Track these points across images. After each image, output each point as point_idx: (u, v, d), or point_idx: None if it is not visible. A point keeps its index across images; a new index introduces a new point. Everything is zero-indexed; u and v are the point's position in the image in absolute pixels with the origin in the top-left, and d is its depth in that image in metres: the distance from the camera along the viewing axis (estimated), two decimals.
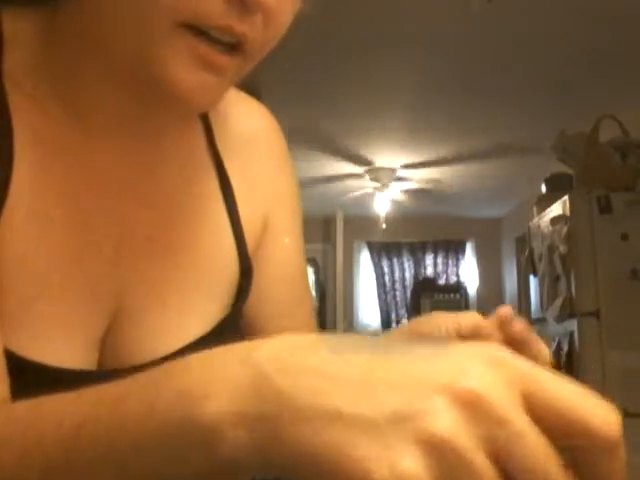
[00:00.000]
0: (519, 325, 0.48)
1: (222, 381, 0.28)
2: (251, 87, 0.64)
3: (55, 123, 0.48)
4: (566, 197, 3.07)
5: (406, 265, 7.40)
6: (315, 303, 6.85)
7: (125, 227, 0.51)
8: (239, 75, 0.47)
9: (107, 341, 0.49)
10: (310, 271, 6.84)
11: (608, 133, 3.14)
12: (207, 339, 0.52)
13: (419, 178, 5.66)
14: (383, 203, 6.11)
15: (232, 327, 0.56)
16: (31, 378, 0.44)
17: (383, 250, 7.35)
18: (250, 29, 0.43)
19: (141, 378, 0.32)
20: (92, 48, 0.46)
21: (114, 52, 0.45)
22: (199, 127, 0.58)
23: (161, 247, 0.52)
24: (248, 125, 0.62)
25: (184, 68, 0.42)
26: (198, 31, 0.42)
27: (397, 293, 7.36)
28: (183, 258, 0.53)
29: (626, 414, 2.79)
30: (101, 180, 0.50)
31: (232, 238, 0.57)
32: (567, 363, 3.03)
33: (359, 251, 7.39)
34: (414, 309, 7.00)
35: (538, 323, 3.51)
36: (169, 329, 0.51)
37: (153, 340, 0.50)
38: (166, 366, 0.32)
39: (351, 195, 5.96)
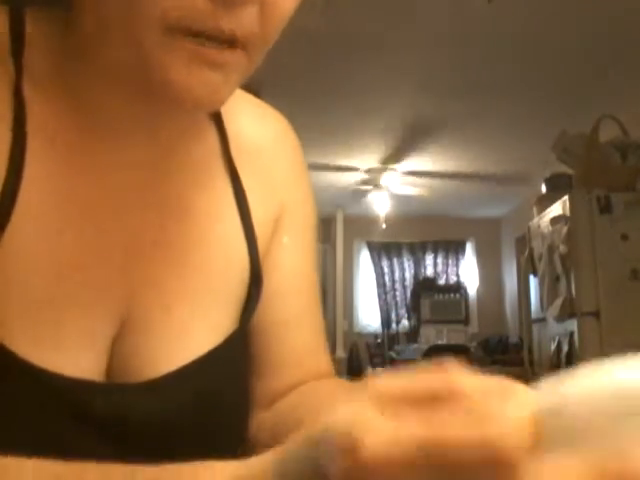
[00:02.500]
0: None
1: None
2: (251, 88, 0.64)
3: (68, 127, 0.48)
4: (566, 197, 3.07)
5: (406, 265, 7.40)
6: None
7: (134, 232, 0.50)
8: (247, 71, 0.45)
9: (115, 349, 0.49)
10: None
11: (608, 133, 3.14)
12: (218, 351, 0.52)
13: (419, 178, 5.66)
14: (383, 203, 6.11)
15: (242, 339, 0.56)
16: (35, 384, 0.44)
17: (383, 250, 7.35)
18: (239, 25, 0.42)
19: None
20: (97, 54, 0.46)
21: (115, 59, 0.45)
22: (213, 132, 0.57)
23: (168, 253, 0.51)
24: (262, 130, 0.61)
25: (184, 70, 0.41)
26: (190, 32, 0.41)
27: (397, 293, 7.36)
28: (191, 264, 0.53)
29: None
30: (113, 185, 0.49)
31: (244, 245, 0.56)
32: (567, 363, 3.03)
33: (359, 251, 7.39)
34: (414, 309, 7.00)
35: (538, 323, 3.51)
36: (174, 338, 0.50)
37: (159, 350, 0.50)
38: None
39: (351, 195, 5.96)
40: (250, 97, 0.63)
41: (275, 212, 0.60)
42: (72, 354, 0.46)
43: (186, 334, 0.51)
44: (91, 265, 0.48)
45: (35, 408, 0.44)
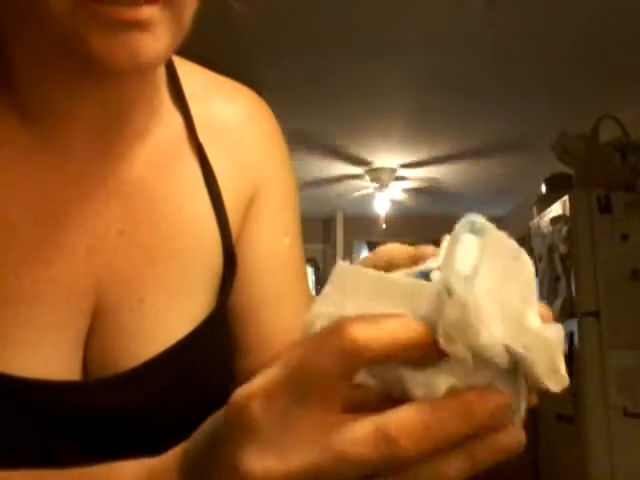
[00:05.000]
0: None
1: None
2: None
3: (12, 123, 0.47)
4: (566, 197, 3.07)
5: None
6: None
7: (98, 223, 0.49)
8: (178, 28, 0.43)
9: (89, 344, 0.48)
10: (310, 271, 6.83)
11: (608, 133, 3.14)
12: (192, 338, 0.51)
13: (419, 178, 5.65)
14: (383, 203, 6.11)
15: (218, 324, 0.54)
16: (7, 395, 0.42)
17: None
18: None
19: None
20: (21, 42, 0.45)
21: (38, 43, 0.44)
22: (177, 116, 0.55)
23: (134, 241, 0.50)
24: (231, 110, 0.60)
25: (99, 36, 0.39)
26: None
27: None
28: (160, 251, 0.51)
29: (626, 414, 2.79)
30: (70, 176, 0.48)
31: (216, 228, 0.55)
32: (567, 363, 3.02)
33: (359, 251, 7.39)
34: None
35: None
36: (148, 328, 0.49)
37: (133, 341, 0.49)
38: None
39: (351, 195, 5.96)
40: (222, 78, 0.62)
41: (248, 192, 0.59)
42: (42, 354, 0.44)
43: (161, 322, 0.50)
44: (53, 259, 0.46)
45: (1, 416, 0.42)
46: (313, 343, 0.29)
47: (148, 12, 0.40)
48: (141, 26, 0.40)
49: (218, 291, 0.55)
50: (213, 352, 0.54)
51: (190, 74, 0.58)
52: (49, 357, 0.45)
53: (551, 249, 3.21)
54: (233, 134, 0.59)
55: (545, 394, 0.33)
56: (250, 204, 0.59)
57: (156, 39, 0.41)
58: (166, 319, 0.50)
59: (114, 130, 0.50)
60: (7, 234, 0.45)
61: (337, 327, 0.29)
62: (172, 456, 0.34)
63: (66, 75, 0.45)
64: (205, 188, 0.55)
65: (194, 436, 0.34)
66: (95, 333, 0.48)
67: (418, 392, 0.30)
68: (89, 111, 0.48)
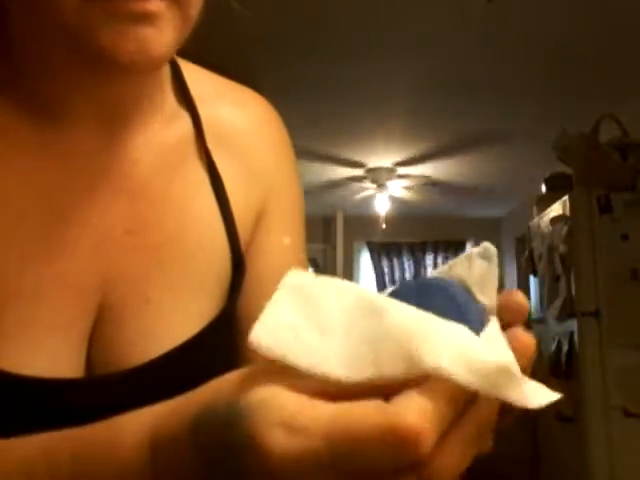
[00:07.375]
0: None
1: None
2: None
3: (19, 118, 0.47)
4: (566, 197, 3.07)
5: (406, 265, 7.40)
6: None
7: (104, 221, 0.48)
8: (183, 25, 0.44)
9: (93, 342, 0.47)
10: (310, 272, 6.82)
11: (608, 133, 3.14)
12: (198, 339, 0.50)
13: (419, 178, 5.65)
14: (383, 203, 6.11)
15: (225, 326, 0.54)
16: (10, 392, 0.42)
17: (383, 250, 7.34)
18: None
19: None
20: (29, 40, 0.45)
21: (47, 40, 0.44)
22: (186, 119, 0.55)
23: (141, 241, 0.50)
24: (240, 115, 0.60)
25: (108, 30, 0.40)
26: None
27: None
28: (167, 252, 0.51)
29: (626, 414, 2.79)
30: (76, 172, 0.48)
31: (223, 230, 0.54)
32: (567, 363, 3.03)
33: (359, 251, 7.39)
34: None
35: (538, 323, 3.51)
36: (154, 328, 0.49)
37: (139, 340, 0.48)
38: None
39: (351, 195, 5.96)
40: (229, 82, 0.62)
41: (258, 197, 0.59)
42: (45, 351, 0.44)
43: (166, 322, 0.50)
44: (56, 258, 0.46)
45: (2, 413, 0.42)
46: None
47: (156, 5, 0.41)
48: (149, 20, 0.41)
49: (226, 293, 0.55)
50: (219, 354, 0.53)
51: (196, 77, 0.58)
52: (52, 355, 0.45)
53: (551, 249, 3.21)
54: (243, 139, 0.59)
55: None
56: (261, 212, 0.59)
57: (163, 34, 0.42)
58: (172, 319, 0.50)
59: (117, 126, 0.50)
60: (11, 229, 0.45)
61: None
62: (178, 424, 0.33)
63: (72, 70, 0.46)
64: (211, 190, 0.55)
65: (207, 406, 0.33)
66: (99, 332, 0.48)
67: None
68: (93, 106, 0.48)
